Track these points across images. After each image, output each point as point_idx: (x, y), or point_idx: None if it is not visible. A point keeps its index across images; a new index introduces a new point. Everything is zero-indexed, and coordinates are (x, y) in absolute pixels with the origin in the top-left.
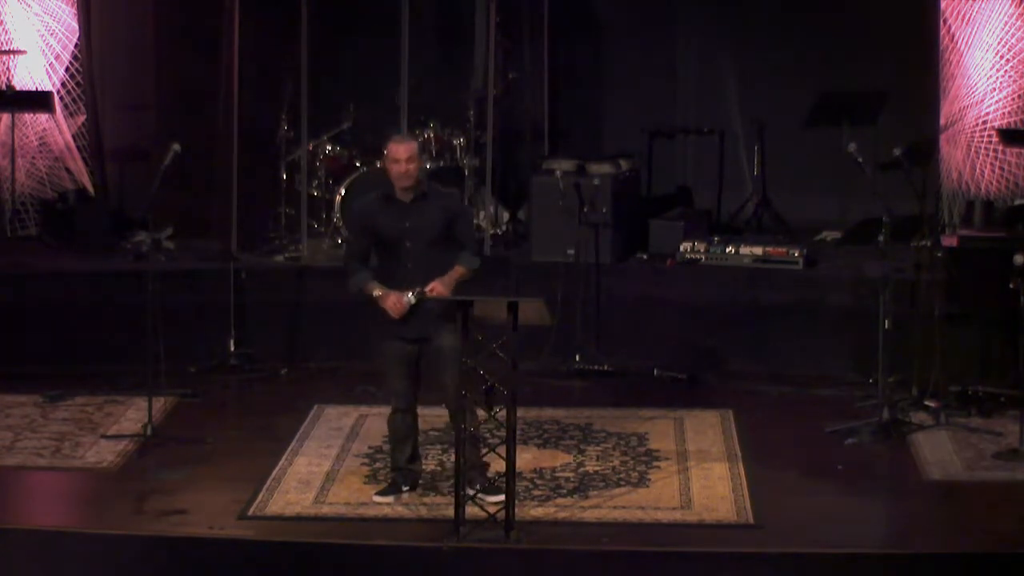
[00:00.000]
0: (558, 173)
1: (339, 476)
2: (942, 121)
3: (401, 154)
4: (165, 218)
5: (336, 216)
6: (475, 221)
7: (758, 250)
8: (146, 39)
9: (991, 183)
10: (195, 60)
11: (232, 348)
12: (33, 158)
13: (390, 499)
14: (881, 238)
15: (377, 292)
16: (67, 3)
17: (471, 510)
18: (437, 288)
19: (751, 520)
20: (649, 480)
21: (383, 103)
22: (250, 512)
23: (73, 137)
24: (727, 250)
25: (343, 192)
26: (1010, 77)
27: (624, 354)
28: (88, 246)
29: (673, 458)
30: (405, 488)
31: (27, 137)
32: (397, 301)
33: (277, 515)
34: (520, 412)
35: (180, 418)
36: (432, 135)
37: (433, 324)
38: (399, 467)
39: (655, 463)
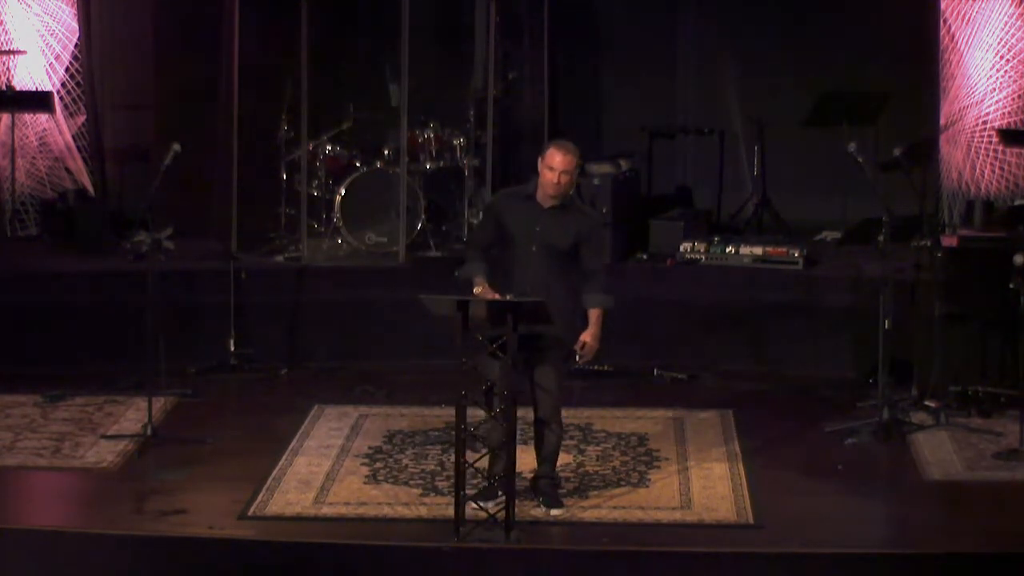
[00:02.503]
0: None
1: (339, 476)
2: (942, 121)
3: (558, 164)
4: (165, 218)
5: (336, 216)
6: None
7: (758, 250)
8: (146, 39)
9: (991, 183)
10: (195, 60)
11: (232, 348)
12: (33, 158)
13: (489, 504)
14: (881, 238)
15: (478, 288)
16: (67, 3)
17: (471, 510)
18: (590, 345)
19: (751, 520)
20: (649, 480)
21: (383, 103)
22: (250, 512)
23: (73, 137)
24: (727, 250)
25: (343, 192)
26: (1010, 77)
27: (624, 354)
28: (88, 246)
29: (673, 458)
30: (500, 494)
31: (27, 137)
32: None
33: (277, 515)
34: (520, 412)
35: (180, 418)
36: (432, 135)
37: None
38: (496, 474)
39: (655, 463)
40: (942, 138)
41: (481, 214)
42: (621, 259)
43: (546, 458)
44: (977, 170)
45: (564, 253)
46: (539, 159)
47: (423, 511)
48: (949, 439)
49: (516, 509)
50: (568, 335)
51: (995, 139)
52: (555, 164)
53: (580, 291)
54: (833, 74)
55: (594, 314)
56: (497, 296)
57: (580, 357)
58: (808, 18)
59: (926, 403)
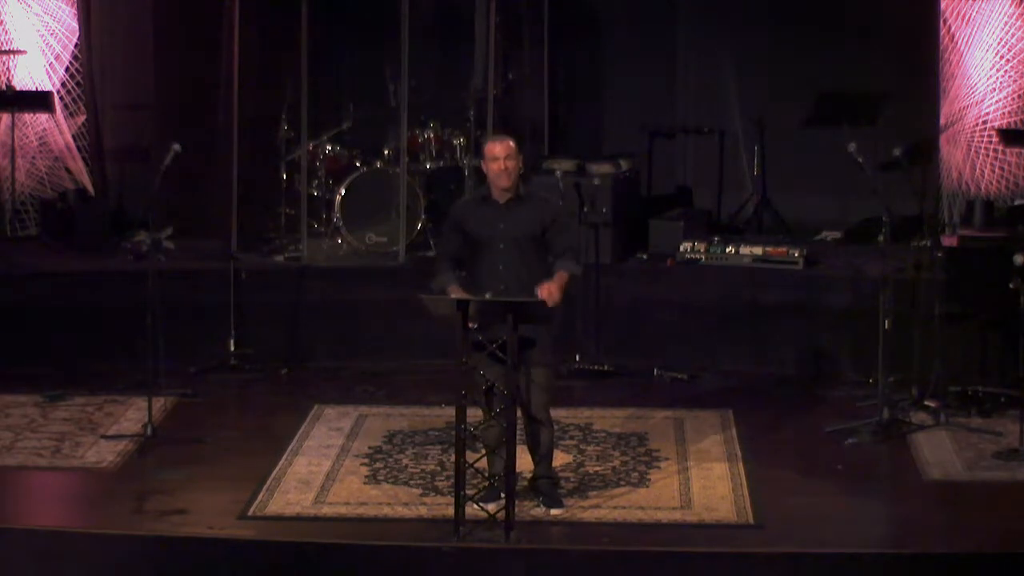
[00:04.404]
0: (558, 173)
1: (339, 476)
2: (942, 121)
3: (499, 152)
4: (165, 218)
5: (336, 216)
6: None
7: (758, 250)
8: (146, 39)
9: (991, 183)
10: (195, 60)
11: (232, 348)
12: (33, 158)
13: (491, 506)
14: (881, 238)
15: (455, 295)
16: (67, 3)
17: (471, 510)
18: (551, 291)
19: (751, 520)
20: (649, 480)
21: (383, 103)
22: (250, 512)
23: (73, 137)
24: (727, 250)
25: (343, 192)
26: (1010, 77)
27: (624, 354)
28: (88, 246)
29: (673, 458)
30: (502, 495)
31: (27, 137)
32: None
33: (277, 515)
34: (520, 412)
35: (180, 418)
36: (432, 135)
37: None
38: (497, 474)
39: (655, 463)
40: (942, 138)
41: (443, 229)
42: (621, 259)
43: (543, 457)
44: (977, 170)
45: (531, 245)
46: (481, 162)
47: (423, 511)
48: (949, 439)
49: (516, 509)
50: (547, 326)
51: (995, 139)
52: (496, 153)
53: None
54: (833, 74)
55: (559, 274)
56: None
57: (540, 292)
58: (808, 18)
59: (926, 403)
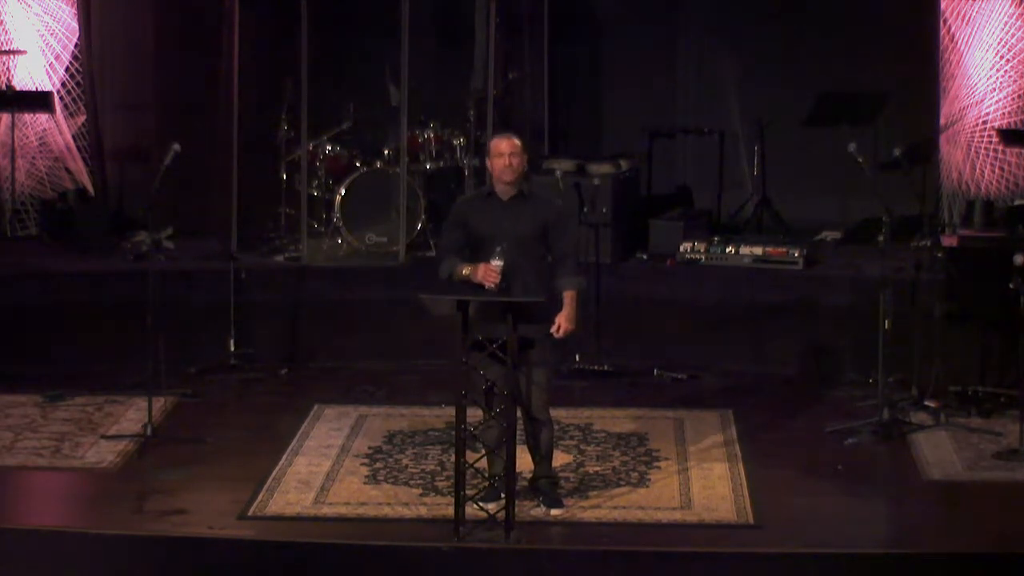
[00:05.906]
0: (558, 173)
1: (339, 476)
2: (942, 121)
3: (505, 148)
4: (165, 218)
5: (336, 216)
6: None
7: (758, 250)
8: (146, 39)
9: (991, 183)
10: (195, 60)
11: (232, 348)
12: (33, 158)
13: (491, 506)
14: (881, 238)
15: (466, 271)
16: (67, 3)
17: (471, 510)
18: (565, 327)
19: (751, 520)
20: (649, 480)
21: (383, 103)
22: (250, 512)
23: (73, 137)
24: (727, 250)
25: (343, 192)
26: (1010, 77)
27: (624, 354)
28: (88, 246)
29: (673, 458)
30: (502, 495)
31: (27, 137)
32: (487, 270)
33: (277, 515)
34: (520, 412)
35: (180, 418)
36: (432, 135)
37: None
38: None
39: (655, 463)
40: (942, 138)
41: (446, 224)
42: (621, 259)
43: (544, 457)
44: (977, 170)
45: (533, 244)
46: (486, 159)
47: (423, 511)
48: (949, 439)
49: (516, 509)
50: (547, 325)
51: (995, 139)
52: (502, 149)
53: (552, 277)
54: (833, 74)
55: (568, 296)
56: (492, 269)
57: (555, 331)
58: (808, 18)
59: (926, 403)
